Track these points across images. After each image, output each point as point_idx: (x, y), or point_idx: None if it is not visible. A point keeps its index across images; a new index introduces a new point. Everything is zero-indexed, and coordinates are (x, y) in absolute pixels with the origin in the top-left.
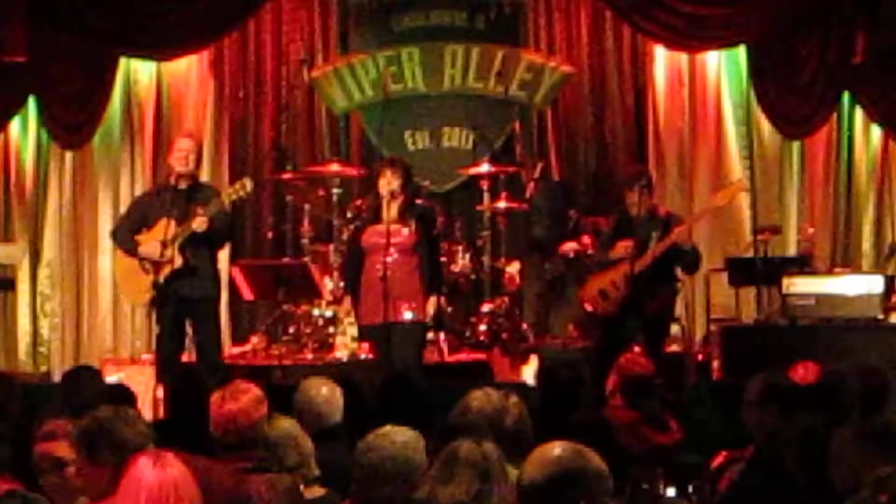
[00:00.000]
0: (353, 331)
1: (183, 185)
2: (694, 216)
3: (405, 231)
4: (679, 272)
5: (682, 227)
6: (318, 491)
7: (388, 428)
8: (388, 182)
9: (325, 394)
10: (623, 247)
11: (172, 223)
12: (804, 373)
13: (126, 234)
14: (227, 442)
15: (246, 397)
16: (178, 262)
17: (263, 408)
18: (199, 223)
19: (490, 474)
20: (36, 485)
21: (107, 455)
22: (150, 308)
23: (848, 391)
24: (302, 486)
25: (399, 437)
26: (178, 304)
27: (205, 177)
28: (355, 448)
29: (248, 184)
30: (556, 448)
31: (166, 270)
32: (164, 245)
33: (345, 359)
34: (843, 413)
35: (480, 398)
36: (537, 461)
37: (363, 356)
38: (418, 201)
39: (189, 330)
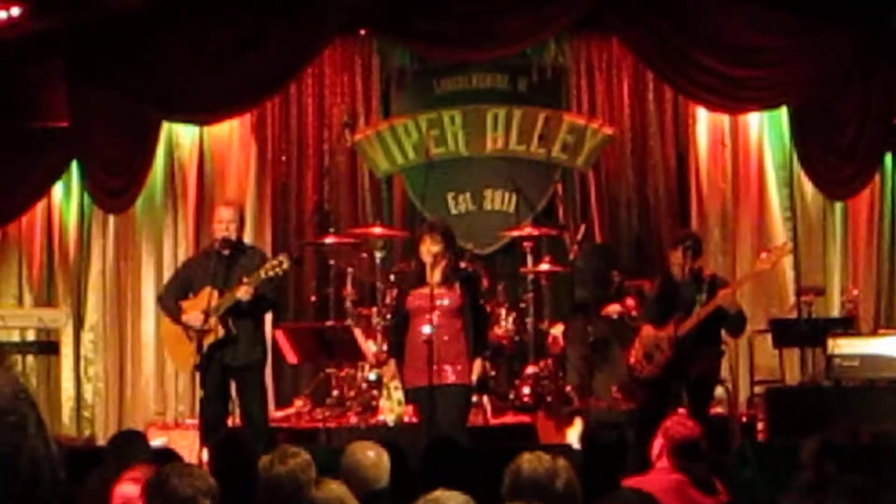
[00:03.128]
0: (398, 395)
1: (226, 251)
2: (739, 280)
3: (450, 294)
4: (723, 334)
5: (727, 290)
6: None
7: (438, 492)
8: (429, 248)
9: (373, 457)
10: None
11: (215, 293)
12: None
13: (171, 301)
14: None
15: (294, 461)
16: (220, 331)
17: (311, 471)
18: (243, 293)
19: None
20: None
21: None
22: (195, 373)
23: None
24: None
25: (451, 502)
26: (223, 371)
27: (247, 240)
28: None
29: (286, 261)
30: None
31: (210, 339)
32: (207, 314)
33: (391, 423)
34: (890, 474)
35: (530, 461)
36: None
37: (407, 419)
38: (462, 264)
39: (234, 395)
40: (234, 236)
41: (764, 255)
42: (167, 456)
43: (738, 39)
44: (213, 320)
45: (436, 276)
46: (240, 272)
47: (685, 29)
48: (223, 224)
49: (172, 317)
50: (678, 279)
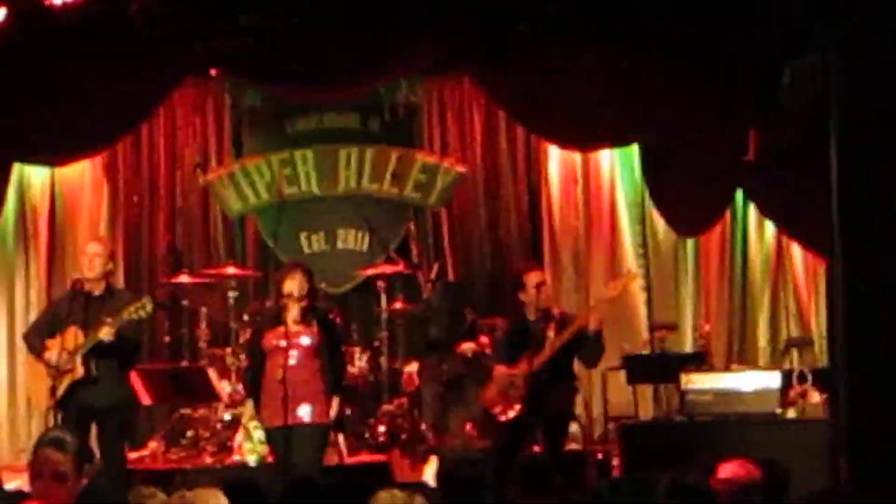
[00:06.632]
0: (259, 434)
1: (96, 292)
2: (588, 309)
3: (308, 333)
4: (578, 367)
5: (580, 318)
6: None
7: None
8: (299, 285)
9: None
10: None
11: (80, 332)
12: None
13: (36, 339)
14: None
15: (150, 502)
16: (80, 371)
17: None
18: (105, 332)
19: None
20: None
21: None
22: (50, 413)
23: (752, 485)
24: None
25: None
26: (80, 412)
27: None
28: None
29: (149, 304)
30: None
31: (67, 379)
32: (69, 353)
33: (253, 463)
34: None
35: (386, 499)
36: None
37: (269, 459)
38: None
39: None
40: (99, 271)
41: (611, 283)
42: (22, 499)
43: (589, 80)
44: (74, 360)
45: (293, 313)
46: (105, 315)
47: (536, 70)
48: (87, 256)
49: (35, 354)
50: (529, 318)
